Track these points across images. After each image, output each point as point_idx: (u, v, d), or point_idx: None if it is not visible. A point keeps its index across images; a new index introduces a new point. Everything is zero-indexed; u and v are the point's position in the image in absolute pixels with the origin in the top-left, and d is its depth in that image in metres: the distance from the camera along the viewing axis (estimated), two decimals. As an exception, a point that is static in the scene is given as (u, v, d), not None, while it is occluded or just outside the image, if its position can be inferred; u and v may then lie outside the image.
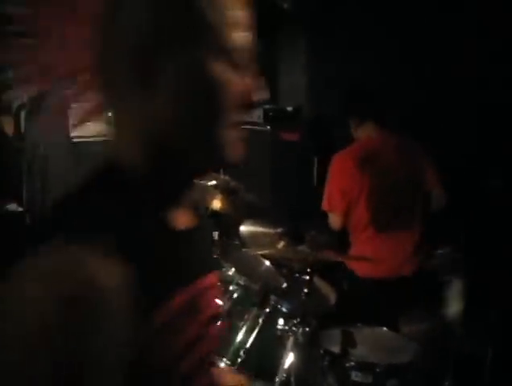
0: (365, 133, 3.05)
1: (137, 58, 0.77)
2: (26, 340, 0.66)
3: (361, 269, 2.99)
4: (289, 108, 4.20)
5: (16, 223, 4.77)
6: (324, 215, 3.36)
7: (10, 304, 0.69)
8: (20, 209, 4.81)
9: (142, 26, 0.76)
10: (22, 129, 4.89)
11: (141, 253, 0.74)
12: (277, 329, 2.14)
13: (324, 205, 3.11)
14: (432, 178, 3.01)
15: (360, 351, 2.34)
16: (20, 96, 4.68)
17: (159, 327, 0.75)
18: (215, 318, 0.93)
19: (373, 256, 2.87)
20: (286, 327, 2.11)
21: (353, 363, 2.29)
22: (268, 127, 4.17)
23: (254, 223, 2.80)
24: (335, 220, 3.05)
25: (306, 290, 2.17)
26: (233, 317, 2.38)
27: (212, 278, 0.92)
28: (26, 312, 0.68)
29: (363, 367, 2.29)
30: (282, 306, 2.34)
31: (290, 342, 2.09)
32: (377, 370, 2.27)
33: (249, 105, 0.85)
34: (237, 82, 0.82)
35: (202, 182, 3.08)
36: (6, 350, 0.66)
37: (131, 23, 0.77)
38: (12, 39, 0.86)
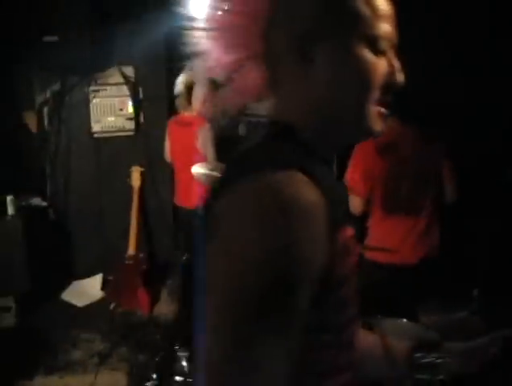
0: (387, 126, 3.06)
1: (303, 41, 0.93)
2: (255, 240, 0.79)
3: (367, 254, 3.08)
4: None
5: (40, 218, 4.87)
6: None
7: (240, 213, 0.82)
8: (44, 204, 4.89)
9: (308, 14, 0.93)
10: (46, 125, 4.96)
11: (326, 185, 0.87)
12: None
13: (349, 188, 3.13)
14: (448, 173, 3.08)
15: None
16: (43, 92, 4.78)
17: (340, 247, 0.88)
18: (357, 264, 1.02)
19: (379, 239, 3.04)
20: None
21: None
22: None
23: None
24: (357, 204, 3.10)
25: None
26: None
27: (352, 230, 1.02)
28: (253, 220, 0.80)
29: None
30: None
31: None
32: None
33: (390, 86, 0.99)
34: (381, 65, 0.96)
35: (214, 173, 3.12)
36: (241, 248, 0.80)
37: (299, 13, 0.93)
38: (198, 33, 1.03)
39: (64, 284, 5.00)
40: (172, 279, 4.99)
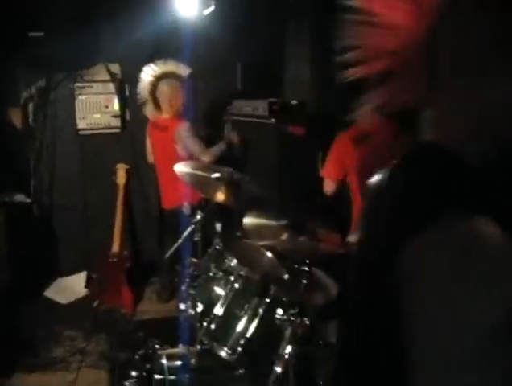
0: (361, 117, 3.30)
1: (478, 57, 0.82)
2: None
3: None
4: (293, 102, 4.21)
5: (24, 214, 4.83)
6: (329, 207, 3.54)
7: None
8: (28, 200, 4.86)
9: (482, 31, 0.82)
10: (31, 122, 4.92)
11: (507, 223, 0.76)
12: (275, 318, 2.16)
13: (323, 172, 3.50)
14: None
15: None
16: (28, 88, 4.74)
17: None
18: None
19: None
20: (285, 317, 2.13)
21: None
22: (273, 120, 4.19)
23: (258, 216, 2.82)
24: (329, 185, 3.44)
25: (305, 281, 2.19)
26: (233, 307, 2.41)
27: None
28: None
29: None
30: (281, 297, 2.37)
31: (288, 332, 2.12)
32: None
33: None
34: None
35: (205, 174, 3.12)
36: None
37: (472, 27, 0.83)
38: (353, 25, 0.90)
39: (48, 281, 4.97)
40: (156, 277, 5.00)
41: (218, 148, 4.25)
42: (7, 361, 3.67)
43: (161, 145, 4.29)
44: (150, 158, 4.57)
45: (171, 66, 4.29)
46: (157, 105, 4.30)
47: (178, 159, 4.07)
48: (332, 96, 4.21)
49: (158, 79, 4.27)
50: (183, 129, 4.15)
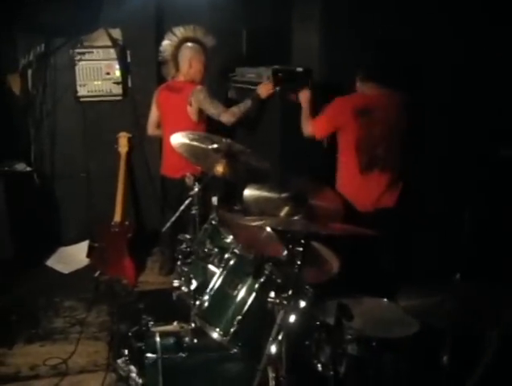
0: (367, 90, 3.46)
1: None
2: None
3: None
4: (299, 70, 4.05)
5: (25, 183, 4.77)
6: (333, 178, 3.59)
7: None
8: (28, 169, 4.79)
9: None
10: (30, 88, 4.82)
11: None
12: (267, 301, 2.09)
13: (312, 129, 3.60)
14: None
15: (357, 324, 2.28)
16: (26, 54, 4.63)
17: None
18: None
19: (355, 189, 3.44)
20: (277, 300, 2.05)
21: (349, 337, 2.24)
22: (277, 88, 4.04)
23: (259, 188, 2.73)
24: (310, 133, 3.60)
25: (299, 262, 2.10)
26: (227, 286, 2.33)
27: None
28: None
29: (359, 340, 2.24)
30: (276, 277, 2.29)
31: (280, 315, 2.04)
32: (374, 344, 2.22)
33: None
34: None
35: (203, 145, 3.01)
36: None
37: None
38: None
39: (50, 250, 4.95)
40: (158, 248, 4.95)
41: (242, 107, 4.10)
42: (8, 331, 3.67)
43: (172, 107, 4.19)
44: (151, 129, 4.47)
45: (198, 32, 4.22)
46: (176, 67, 4.24)
47: (188, 124, 4.03)
48: (340, 64, 4.06)
49: (183, 41, 4.21)
50: (199, 90, 4.07)
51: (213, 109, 4.05)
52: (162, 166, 4.41)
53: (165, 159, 4.36)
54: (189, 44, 4.19)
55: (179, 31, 4.20)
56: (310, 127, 3.61)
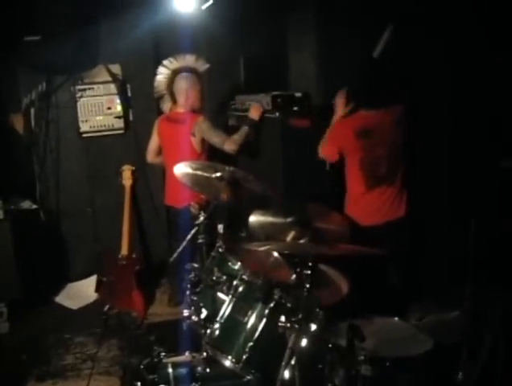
0: (364, 111, 3.51)
1: None
2: None
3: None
4: (298, 95, 4.09)
5: (31, 221, 4.79)
6: (337, 200, 3.59)
7: None
8: (34, 206, 4.82)
9: None
10: (33, 127, 4.88)
11: None
12: (278, 326, 2.08)
13: (322, 152, 3.63)
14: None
15: (370, 345, 2.26)
16: (28, 93, 4.70)
17: None
18: None
19: (363, 207, 3.49)
20: (288, 324, 2.05)
21: (362, 357, 2.22)
22: (277, 114, 4.08)
23: (264, 213, 2.74)
24: (322, 157, 3.64)
25: (308, 285, 2.10)
26: (237, 313, 2.33)
27: None
28: None
29: (373, 360, 2.22)
30: (286, 301, 2.28)
31: (291, 339, 2.03)
32: (387, 363, 2.20)
33: None
34: None
35: (206, 174, 3.03)
36: None
37: None
38: None
39: (58, 287, 4.94)
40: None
41: (241, 133, 4.09)
42: (18, 370, 3.65)
43: (175, 138, 4.17)
44: (151, 156, 4.47)
45: (189, 60, 4.18)
46: (173, 100, 4.22)
47: (191, 154, 4.03)
48: (337, 87, 4.11)
49: (175, 73, 4.17)
50: (202, 120, 4.06)
51: (216, 138, 4.04)
52: (166, 197, 4.42)
53: (168, 190, 4.36)
54: (183, 74, 4.14)
55: (170, 63, 4.16)
56: (321, 150, 3.65)
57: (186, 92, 4.13)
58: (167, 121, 4.30)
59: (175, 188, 4.15)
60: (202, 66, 4.21)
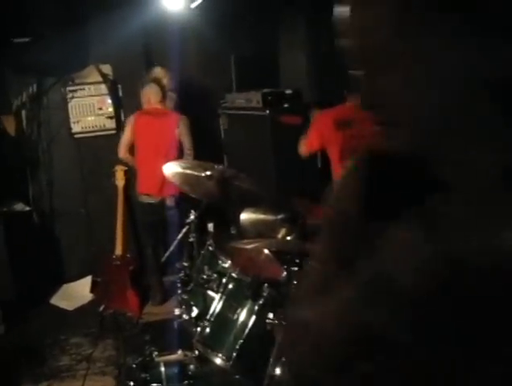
0: (350, 101, 3.62)
1: None
2: None
3: None
4: (288, 92, 4.11)
5: (24, 223, 4.79)
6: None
7: None
8: (27, 208, 4.82)
9: None
10: (25, 128, 4.87)
11: None
12: (266, 323, 2.09)
13: (306, 145, 3.73)
14: None
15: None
16: (19, 95, 4.69)
17: None
18: None
19: None
20: (276, 321, 2.05)
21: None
22: (267, 111, 4.09)
23: (255, 211, 2.74)
24: (304, 152, 3.73)
25: (295, 282, 2.11)
26: (226, 311, 2.33)
27: None
28: None
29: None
30: (275, 298, 2.29)
31: (280, 335, 2.04)
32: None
33: None
34: None
35: (196, 173, 3.04)
36: None
37: None
38: None
39: (53, 288, 4.94)
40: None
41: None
42: (14, 371, 3.65)
43: (157, 130, 4.35)
44: (123, 151, 4.55)
45: (155, 73, 4.53)
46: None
47: (171, 147, 4.26)
48: (328, 84, 4.12)
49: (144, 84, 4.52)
50: (186, 120, 4.31)
51: (188, 143, 4.29)
52: (139, 188, 4.47)
53: (144, 180, 4.41)
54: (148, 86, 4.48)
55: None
56: (302, 146, 3.74)
57: (154, 101, 4.42)
58: (146, 114, 4.45)
59: (154, 178, 4.22)
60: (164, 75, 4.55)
